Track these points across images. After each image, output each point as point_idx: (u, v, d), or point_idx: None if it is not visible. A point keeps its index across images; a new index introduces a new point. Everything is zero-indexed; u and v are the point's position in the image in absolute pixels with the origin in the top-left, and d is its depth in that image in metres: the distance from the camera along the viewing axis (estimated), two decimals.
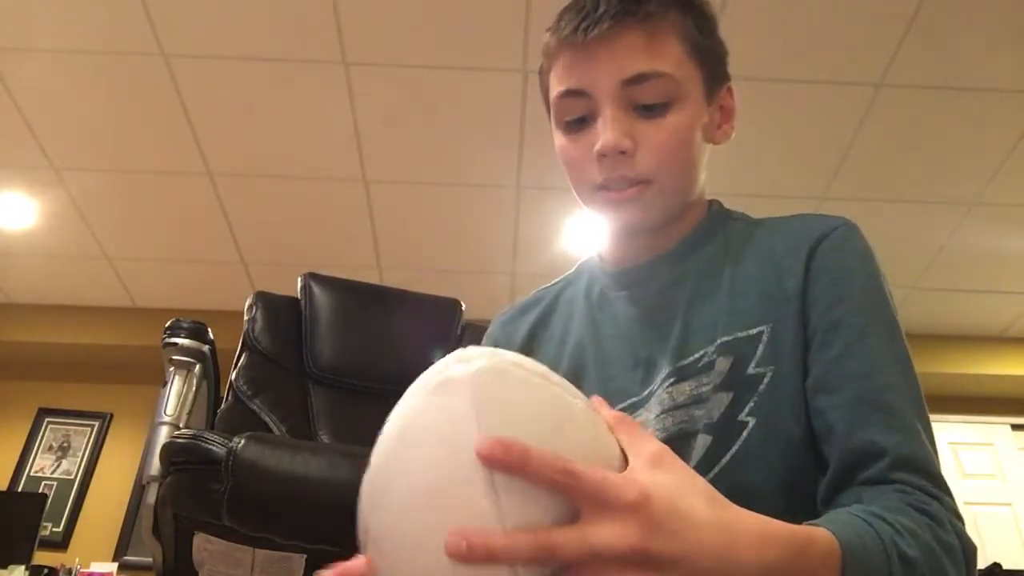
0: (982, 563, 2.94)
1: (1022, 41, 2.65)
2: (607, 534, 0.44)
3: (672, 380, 0.78)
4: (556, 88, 0.82)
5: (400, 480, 0.47)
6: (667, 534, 0.45)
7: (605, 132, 0.78)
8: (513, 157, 3.16)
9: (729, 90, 0.90)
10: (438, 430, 0.47)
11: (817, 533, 0.54)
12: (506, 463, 0.44)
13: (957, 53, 2.70)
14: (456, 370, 0.48)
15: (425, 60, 2.78)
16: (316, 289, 2.12)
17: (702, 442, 0.73)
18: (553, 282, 1.01)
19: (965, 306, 4.03)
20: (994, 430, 4.26)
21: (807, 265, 0.77)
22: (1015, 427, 4.27)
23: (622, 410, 0.76)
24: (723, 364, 0.75)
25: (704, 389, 0.75)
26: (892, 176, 3.24)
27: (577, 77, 0.80)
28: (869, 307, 0.75)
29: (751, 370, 0.74)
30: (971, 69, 2.75)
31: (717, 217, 0.90)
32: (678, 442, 0.74)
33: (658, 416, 0.77)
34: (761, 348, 0.75)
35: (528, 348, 0.92)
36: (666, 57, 0.79)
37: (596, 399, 0.54)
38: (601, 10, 0.79)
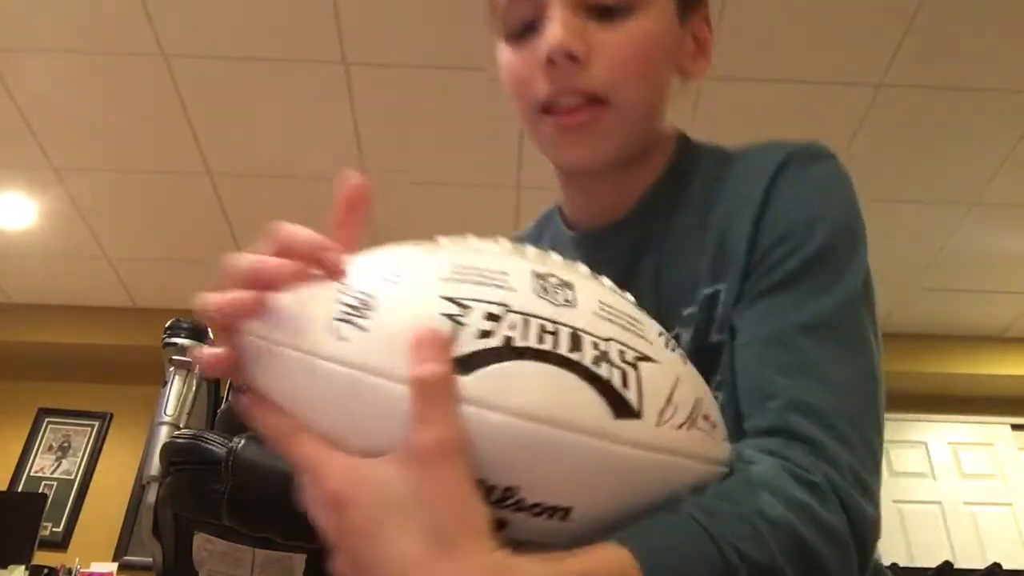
0: (982, 563, 2.94)
1: (1022, 41, 2.65)
2: (320, 510, 0.43)
3: None
4: None
5: None
6: (354, 549, 0.41)
7: (554, 30, 0.66)
8: (513, 157, 3.16)
9: (706, 20, 0.77)
10: None
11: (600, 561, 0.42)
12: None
13: (957, 53, 2.70)
14: None
15: (425, 60, 2.78)
16: None
17: None
18: (516, 234, 0.88)
19: (965, 306, 4.03)
20: (994, 430, 4.26)
21: (758, 209, 0.65)
22: (1015, 427, 4.27)
23: None
24: (686, 336, 0.67)
25: None
26: (892, 176, 3.24)
27: None
28: (818, 256, 0.62)
29: (713, 338, 0.65)
30: (971, 69, 2.75)
31: (685, 160, 0.75)
32: None
33: None
34: (720, 310, 0.65)
35: None
36: None
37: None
38: None
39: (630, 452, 0.42)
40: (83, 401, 4.23)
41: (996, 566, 2.80)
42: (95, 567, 3.52)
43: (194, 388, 2.00)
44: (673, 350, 0.49)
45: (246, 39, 2.73)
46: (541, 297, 0.44)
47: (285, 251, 0.47)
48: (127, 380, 4.12)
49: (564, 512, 0.42)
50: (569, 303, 0.45)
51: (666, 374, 0.46)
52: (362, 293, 0.44)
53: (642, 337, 0.46)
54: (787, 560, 0.46)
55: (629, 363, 0.44)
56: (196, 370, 1.99)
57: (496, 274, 0.45)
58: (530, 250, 0.50)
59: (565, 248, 0.76)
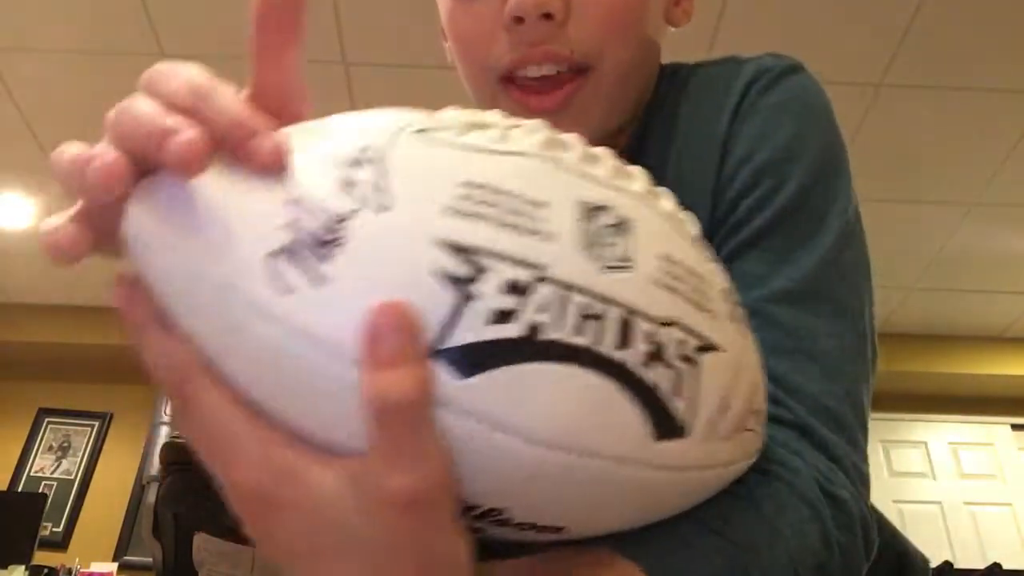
0: (982, 563, 2.94)
1: (1022, 41, 2.65)
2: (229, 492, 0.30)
3: None
4: None
5: None
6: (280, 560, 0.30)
7: None
8: None
9: None
10: None
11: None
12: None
13: (957, 53, 2.70)
14: None
15: (425, 60, 2.78)
16: None
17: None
18: None
19: (965, 306, 4.03)
20: (994, 430, 4.26)
21: (720, 150, 0.54)
22: (1015, 427, 4.27)
23: None
24: None
25: None
26: (892, 176, 3.24)
27: None
28: (793, 204, 0.52)
29: None
30: (971, 69, 2.75)
31: (658, 102, 0.62)
32: None
33: None
34: None
35: None
36: None
37: None
38: None
39: (664, 476, 0.32)
40: (83, 401, 4.23)
41: (996, 566, 2.80)
42: (95, 567, 3.51)
43: None
44: (735, 317, 0.37)
45: (246, 39, 2.73)
46: (588, 252, 0.30)
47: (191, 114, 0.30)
48: (127, 380, 4.11)
49: (557, 530, 0.33)
50: (625, 263, 0.30)
51: (727, 365, 0.34)
52: (325, 214, 0.28)
53: (708, 311, 0.33)
54: None
55: (688, 359, 0.32)
56: None
57: (530, 206, 0.30)
58: (572, 146, 0.33)
59: None
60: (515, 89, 0.55)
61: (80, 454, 4.13)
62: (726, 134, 0.54)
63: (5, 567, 3.24)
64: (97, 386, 4.23)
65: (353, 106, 2.73)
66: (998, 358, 4.20)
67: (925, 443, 4.18)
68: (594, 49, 0.54)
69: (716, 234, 0.52)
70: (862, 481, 0.46)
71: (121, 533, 3.86)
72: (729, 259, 0.50)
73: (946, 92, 2.83)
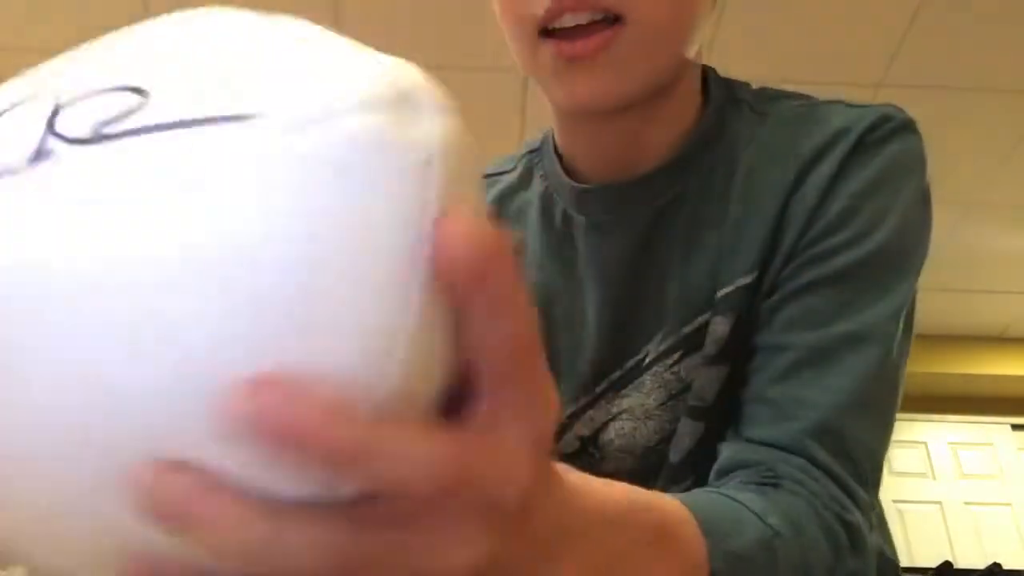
0: (982, 563, 2.94)
1: (1022, 41, 2.65)
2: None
3: (678, 354, 0.57)
4: None
5: None
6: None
7: None
8: None
9: None
10: None
11: (685, 534, 0.40)
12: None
13: (957, 53, 2.70)
14: None
15: (425, 60, 2.76)
16: None
17: (689, 429, 0.57)
18: (491, 172, 0.73)
19: (965, 306, 4.03)
20: (994, 430, 4.26)
21: (822, 191, 0.54)
22: (1015, 427, 4.27)
23: (602, 392, 0.61)
24: (722, 327, 0.56)
25: (696, 359, 0.57)
26: None
27: None
28: (878, 254, 0.53)
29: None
30: (971, 69, 2.75)
31: (719, 104, 0.63)
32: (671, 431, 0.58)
33: (662, 404, 0.58)
34: (736, 302, 0.56)
35: None
36: None
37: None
38: None
39: None
40: None
41: (996, 566, 2.80)
42: None
43: None
44: None
45: None
46: None
47: None
48: None
49: None
50: None
51: None
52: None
53: None
54: None
55: None
56: None
57: None
58: None
59: (564, 200, 0.63)
60: (551, 40, 0.54)
61: None
62: (833, 174, 0.55)
63: (5, 567, 3.25)
64: None
65: None
66: (998, 358, 4.20)
67: (925, 443, 4.18)
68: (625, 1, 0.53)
69: (795, 258, 0.54)
70: (869, 520, 0.50)
71: None
72: (804, 289, 0.53)
73: (946, 92, 2.83)
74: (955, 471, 4.14)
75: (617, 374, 0.60)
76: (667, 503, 0.39)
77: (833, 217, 0.54)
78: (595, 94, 0.55)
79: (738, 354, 0.55)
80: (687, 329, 0.57)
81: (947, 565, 2.87)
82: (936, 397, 4.23)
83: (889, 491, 4.01)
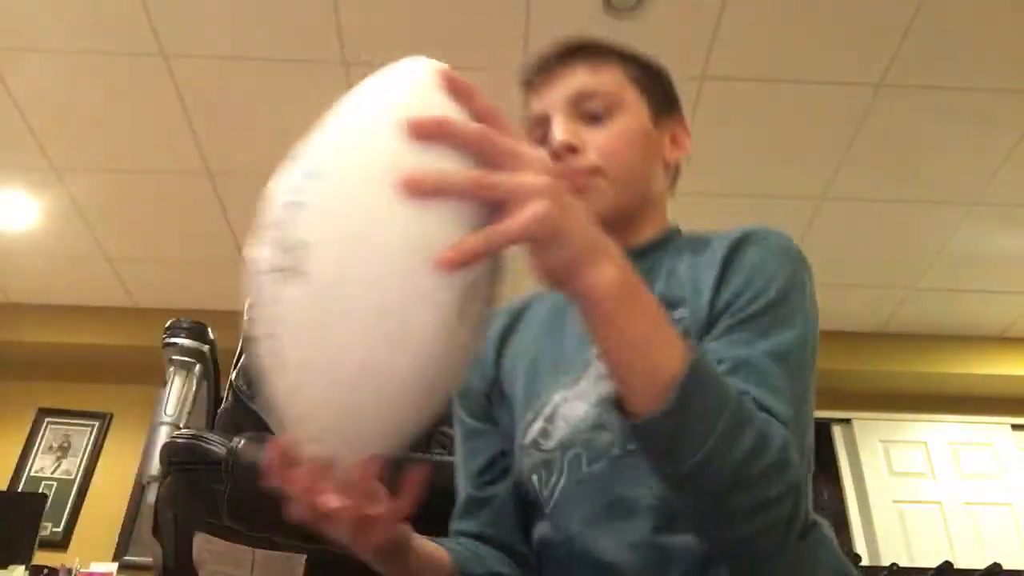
0: (982, 563, 2.94)
1: (1022, 41, 2.65)
2: (529, 178, 0.52)
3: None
4: (525, 116, 0.96)
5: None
6: (565, 197, 0.54)
7: (556, 132, 0.89)
8: None
9: (682, 125, 1.01)
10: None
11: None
12: (431, 130, 0.51)
13: (957, 53, 2.70)
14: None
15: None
16: None
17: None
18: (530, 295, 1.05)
19: (965, 306, 4.03)
20: (994, 430, 4.26)
21: (727, 256, 0.84)
22: (1015, 427, 4.27)
23: (567, 382, 0.88)
24: None
25: None
26: (892, 176, 3.24)
27: (536, 105, 0.94)
28: (774, 291, 0.80)
29: None
30: (971, 69, 2.75)
31: (671, 233, 0.97)
32: (607, 405, 0.79)
33: (595, 381, 0.84)
34: (679, 329, 0.80)
35: (497, 354, 0.97)
36: (607, 80, 0.92)
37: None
38: (555, 53, 0.95)
39: None
40: (83, 401, 4.22)
41: (996, 566, 2.80)
42: (95, 567, 3.51)
43: (194, 388, 2.00)
44: None
45: (246, 39, 2.73)
46: None
47: None
48: (127, 380, 4.12)
49: None
50: None
51: None
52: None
53: None
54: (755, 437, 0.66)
55: None
56: (196, 369, 1.99)
57: None
58: None
59: None
60: None
61: (80, 454, 4.13)
62: (727, 253, 0.84)
63: (5, 567, 3.24)
64: (97, 386, 4.23)
65: None
66: (998, 358, 4.21)
67: (925, 443, 4.18)
68: (602, 161, 0.89)
69: (723, 313, 0.80)
70: (793, 445, 0.70)
71: (121, 533, 3.86)
72: (733, 328, 0.78)
73: (946, 92, 2.83)
74: (955, 471, 4.14)
75: (578, 373, 0.87)
76: None
77: (738, 284, 0.81)
78: (591, 210, 0.85)
79: None
80: None
81: (947, 565, 2.87)
82: (936, 397, 4.24)
83: (889, 491, 4.01)
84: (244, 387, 1.89)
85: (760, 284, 0.80)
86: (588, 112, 0.91)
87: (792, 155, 3.14)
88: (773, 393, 0.71)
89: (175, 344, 1.98)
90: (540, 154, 0.55)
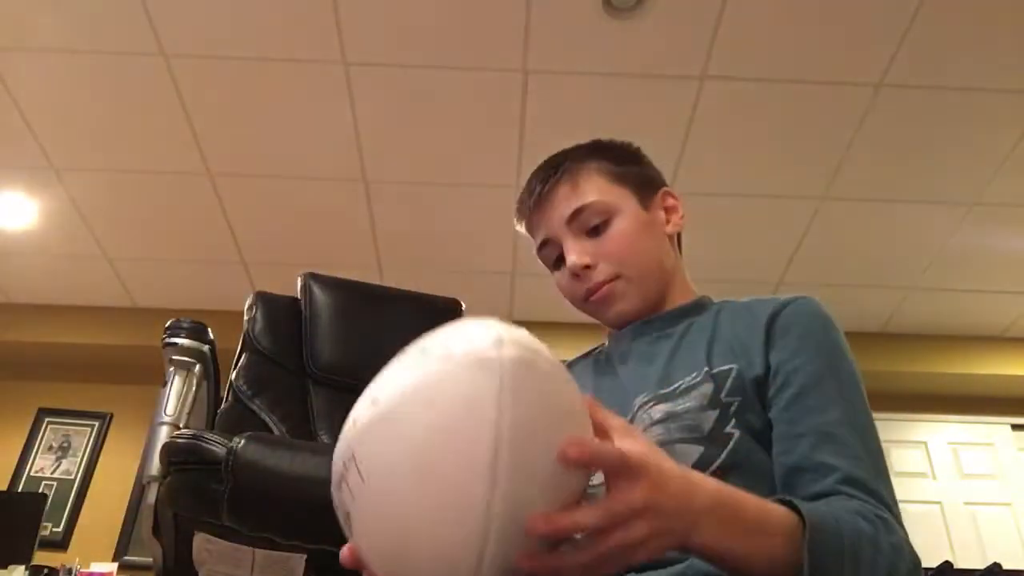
0: (982, 563, 2.94)
1: (1022, 41, 2.65)
2: (626, 497, 0.55)
3: (651, 402, 0.92)
4: (535, 245, 1.08)
5: (404, 428, 0.53)
6: (661, 486, 0.57)
7: (569, 257, 1.02)
8: (513, 157, 3.16)
9: (668, 193, 1.10)
10: (460, 401, 0.52)
11: (776, 507, 0.67)
12: (586, 460, 0.54)
13: (957, 53, 2.70)
14: (491, 352, 0.53)
15: (425, 60, 2.78)
16: (316, 289, 2.12)
17: (693, 451, 0.86)
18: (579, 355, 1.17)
19: (965, 306, 4.03)
20: (994, 430, 4.26)
21: (769, 323, 0.93)
22: (1015, 427, 4.27)
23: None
24: (707, 388, 0.90)
25: (681, 407, 0.89)
26: (892, 176, 3.24)
27: (540, 232, 1.06)
28: (824, 357, 0.89)
29: (724, 397, 0.89)
30: (971, 69, 2.75)
31: (702, 299, 1.07)
32: None
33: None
34: (730, 382, 0.90)
35: None
36: (590, 190, 1.03)
37: (587, 398, 0.61)
38: (537, 182, 1.06)
39: None
40: (83, 401, 4.23)
41: (996, 566, 2.80)
42: (95, 567, 3.51)
43: (194, 388, 1.99)
44: None
45: (246, 39, 2.73)
46: None
47: None
48: (127, 380, 4.12)
49: None
50: None
51: None
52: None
53: None
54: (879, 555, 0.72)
55: None
56: (196, 370, 1.99)
57: None
58: None
59: (606, 348, 1.10)
60: (591, 300, 1.03)
61: (80, 454, 4.13)
62: (771, 318, 0.93)
63: (5, 567, 3.24)
64: (97, 386, 4.24)
65: (353, 106, 2.74)
66: (998, 358, 4.21)
67: (925, 443, 4.18)
68: (615, 267, 1.01)
69: (775, 379, 0.89)
70: (899, 522, 0.79)
71: (121, 533, 3.86)
72: (793, 399, 0.86)
73: (946, 92, 2.83)
74: (955, 471, 4.14)
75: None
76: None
77: (786, 351, 0.90)
78: (618, 312, 1.04)
79: (719, 405, 0.88)
80: (663, 390, 0.93)
81: (947, 565, 2.87)
82: (936, 397, 4.24)
83: None
84: (244, 387, 1.89)
85: (811, 349, 0.89)
86: (586, 226, 1.02)
87: (792, 155, 3.14)
88: (859, 467, 0.80)
89: (175, 344, 1.97)
90: (634, 456, 0.57)
